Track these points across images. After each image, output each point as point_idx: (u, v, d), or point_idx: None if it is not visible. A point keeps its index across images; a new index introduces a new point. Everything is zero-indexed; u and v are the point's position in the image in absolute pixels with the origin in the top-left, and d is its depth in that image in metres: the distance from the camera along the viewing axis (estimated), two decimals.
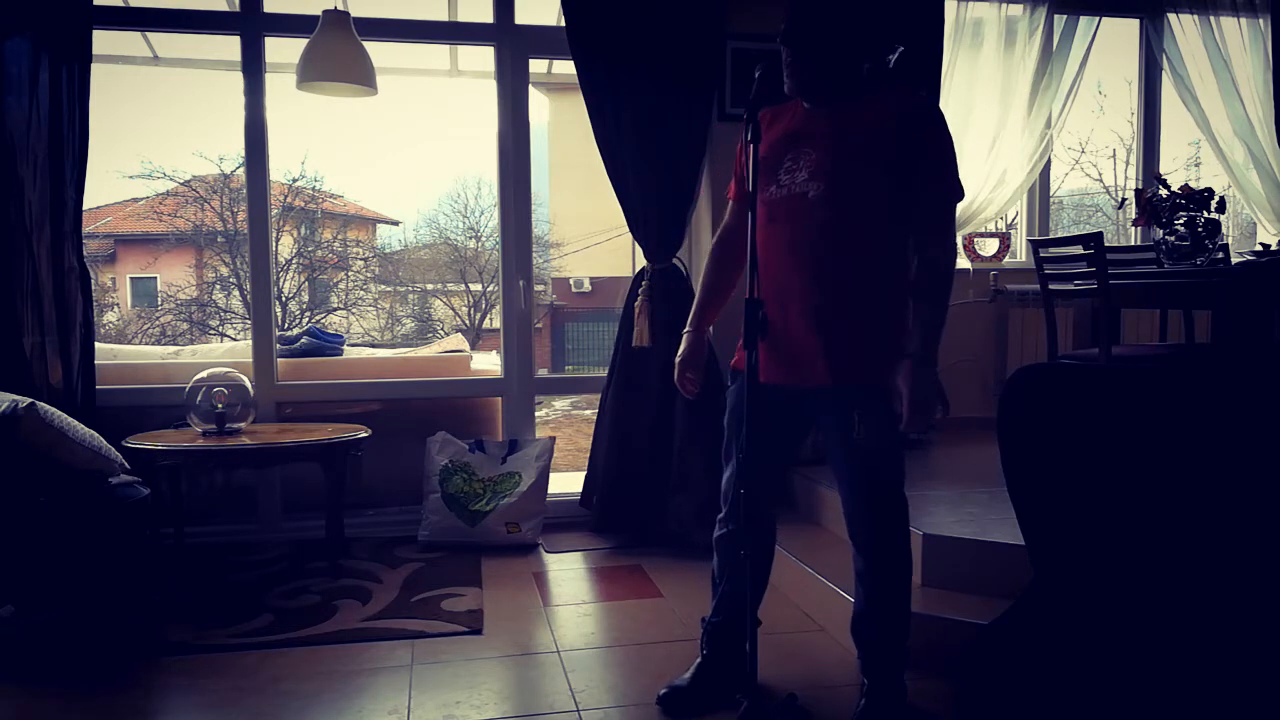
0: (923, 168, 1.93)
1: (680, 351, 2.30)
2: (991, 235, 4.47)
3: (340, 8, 3.41)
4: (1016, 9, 4.25)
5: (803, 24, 1.97)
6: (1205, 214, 3.26)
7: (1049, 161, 4.44)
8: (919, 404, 1.89)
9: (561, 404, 10.02)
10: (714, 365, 2.37)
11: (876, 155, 1.94)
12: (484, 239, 13.81)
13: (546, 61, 4.25)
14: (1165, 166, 4.74)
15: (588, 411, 8.53)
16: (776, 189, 2.02)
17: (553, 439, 3.83)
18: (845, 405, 1.99)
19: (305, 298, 12.38)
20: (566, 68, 3.70)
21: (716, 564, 2.31)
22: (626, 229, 3.65)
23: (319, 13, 3.36)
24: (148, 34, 3.95)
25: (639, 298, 3.58)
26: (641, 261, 3.65)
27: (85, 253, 3.36)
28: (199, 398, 3.28)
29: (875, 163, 1.94)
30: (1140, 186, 4.43)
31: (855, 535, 2.10)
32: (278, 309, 10.54)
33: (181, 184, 11.97)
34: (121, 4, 3.53)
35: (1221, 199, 3.29)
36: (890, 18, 3.81)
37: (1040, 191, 4.60)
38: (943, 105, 4.03)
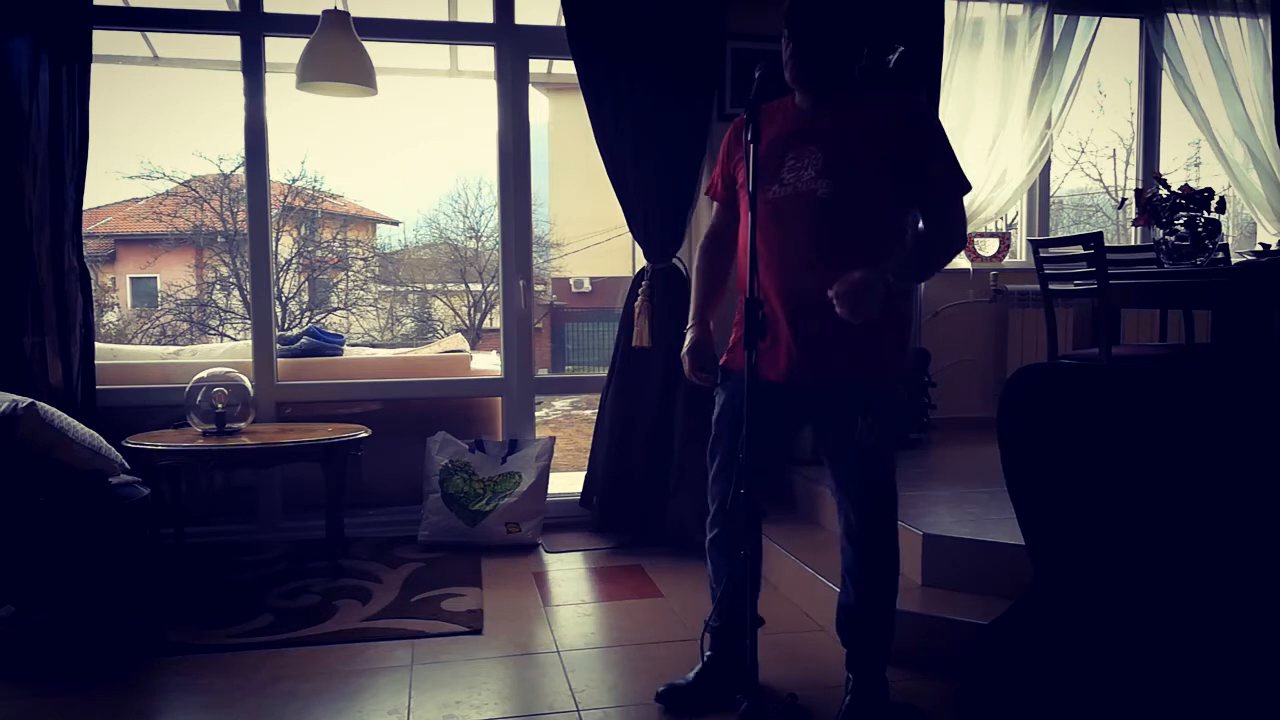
0: (933, 167, 1.99)
1: (688, 342, 2.26)
2: (991, 235, 4.46)
3: (340, 8, 3.41)
4: (1016, 9, 4.25)
5: (805, 7, 1.99)
6: (1205, 214, 3.26)
7: (1049, 161, 4.44)
8: (850, 293, 1.82)
9: (561, 404, 10.01)
10: (668, 362, 2.35)
11: (878, 154, 1.97)
12: (484, 239, 13.80)
13: (546, 61, 4.25)
14: (1165, 166, 4.74)
15: (588, 411, 8.52)
16: (780, 188, 2.01)
17: (553, 439, 3.83)
18: (849, 405, 2.02)
19: (305, 298, 12.36)
20: (566, 68, 3.70)
21: (710, 568, 2.31)
22: (626, 229, 3.65)
23: (319, 13, 3.36)
24: (148, 34, 3.94)
25: (639, 298, 3.58)
26: (641, 261, 3.66)
27: (85, 253, 3.36)
28: (199, 398, 3.28)
29: (878, 162, 1.97)
30: (1140, 186, 4.43)
31: (850, 529, 2.11)
32: (278, 309, 10.53)
33: (181, 184, 11.96)
34: (121, 4, 3.53)
35: (1221, 199, 3.29)
36: (890, 17, 3.85)
37: (1040, 191, 4.60)
38: (943, 105, 4.04)
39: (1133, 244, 4.59)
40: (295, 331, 4.37)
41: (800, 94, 2.07)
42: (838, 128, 2.00)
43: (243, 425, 3.33)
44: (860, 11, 2.01)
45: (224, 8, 3.75)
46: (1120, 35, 4.59)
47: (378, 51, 3.50)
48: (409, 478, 3.78)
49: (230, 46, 3.65)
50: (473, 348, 7.11)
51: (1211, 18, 4.36)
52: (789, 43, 2.02)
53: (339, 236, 13.35)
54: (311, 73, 3.30)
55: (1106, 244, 3.12)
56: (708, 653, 2.29)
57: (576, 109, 3.65)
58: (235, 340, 8.16)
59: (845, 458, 2.08)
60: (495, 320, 10.14)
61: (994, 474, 1.76)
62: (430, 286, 14.11)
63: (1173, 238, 3.31)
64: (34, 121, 3.17)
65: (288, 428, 3.46)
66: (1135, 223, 3.65)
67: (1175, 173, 5.95)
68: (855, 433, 2.01)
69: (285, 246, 11.86)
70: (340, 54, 3.32)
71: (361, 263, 13.53)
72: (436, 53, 4.33)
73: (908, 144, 1.98)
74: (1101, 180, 12.12)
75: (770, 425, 2.01)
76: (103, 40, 3.40)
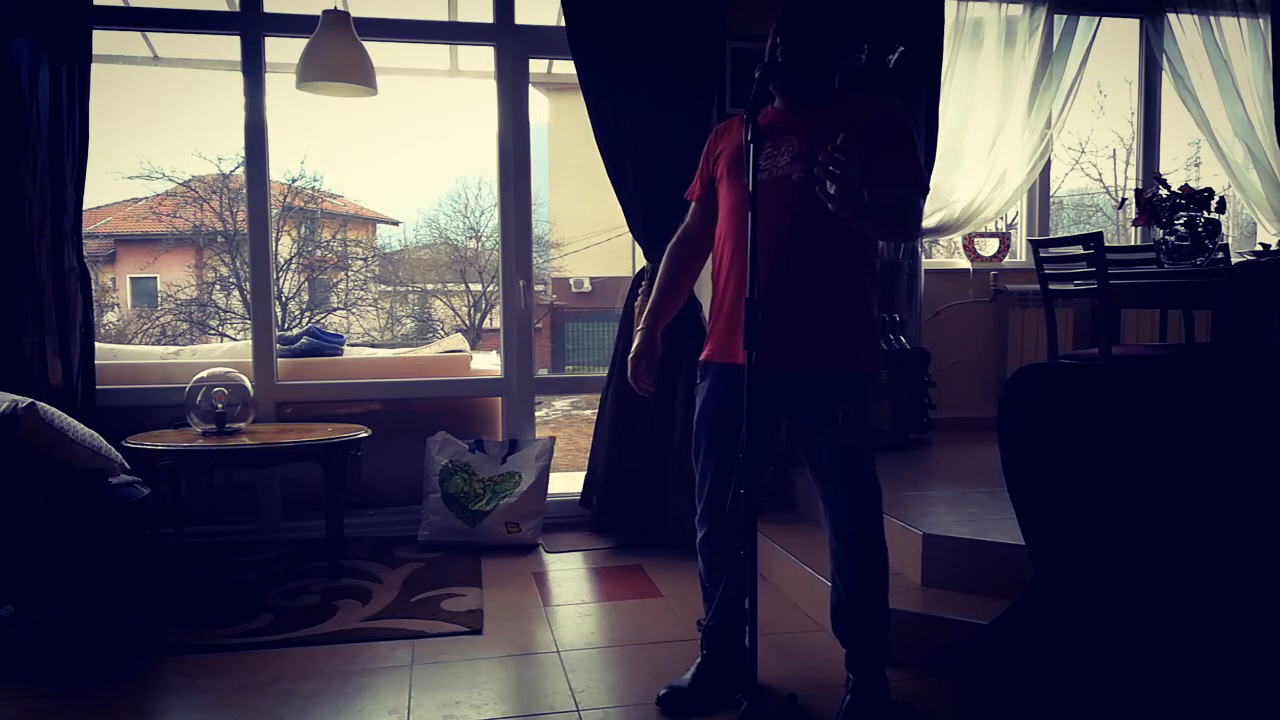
0: (893, 152, 2.00)
1: (634, 347, 2.31)
2: (991, 235, 4.47)
3: (340, 8, 3.41)
4: (1016, 9, 4.25)
5: (801, 15, 2.04)
6: (1205, 214, 3.26)
7: (1049, 161, 4.44)
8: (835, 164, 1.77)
9: (561, 404, 10.01)
10: (666, 361, 2.34)
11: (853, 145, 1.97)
12: (484, 239, 13.82)
13: (546, 61, 4.25)
14: (1165, 166, 4.74)
15: (588, 411, 8.52)
16: (757, 173, 2.03)
17: (553, 439, 3.83)
18: (825, 395, 2.03)
19: (305, 298, 12.38)
20: (566, 68, 3.70)
21: (702, 568, 2.31)
22: (626, 229, 3.65)
23: (319, 13, 3.36)
24: (148, 34, 3.94)
25: (639, 298, 3.57)
26: (641, 261, 3.65)
27: (85, 253, 3.36)
28: (199, 398, 3.28)
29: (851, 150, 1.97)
30: (1140, 186, 4.43)
31: (837, 526, 2.11)
32: (278, 309, 10.54)
33: (181, 184, 11.98)
34: (121, 4, 3.53)
35: (1221, 199, 3.29)
36: (890, 17, 3.85)
37: (1040, 191, 4.60)
38: (943, 105, 4.03)
39: (1133, 244, 4.59)
40: (295, 331, 4.37)
41: (782, 96, 2.12)
42: (815, 120, 2.04)
43: (243, 425, 3.33)
44: (851, 24, 2.08)
45: (224, 8, 3.76)
46: (1120, 35, 4.59)
47: (378, 51, 3.50)
48: (409, 478, 3.78)
49: (230, 46, 3.65)
50: (473, 348, 7.11)
51: (1211, 18, 4.36)
52: (780, 47, 2.05)
53: (339, 236, 13.36)
54: (311, 73, 3.30)
55: (1106, 244, 3.12)
56: (704, 652, 2.29)
57: (576, 109, 3.65)
58: (235, 340, 8.17)
59: (823, 454, 2.07)
60: (495, 320, 10.14)
61: (994, 474, 1.76)
62: (430, 286, 14.12)
63: (1173, 238, 3.31)
64: (34, 121, 3.17)
65: (288, 428, 3.46)
66: (1135, 223, 3.65)
67: (1175, 173, 5.96)
68: (832, 426, 2.02)
69: (285, 246, 11.87)
70: (340, 54, 3.32)
71: (361, 263, 13.54)
72: (436, 53, 4.34)
73: (878, 133, 2.00)
74: (1101, 180, 12.14)
75: (747, 414, 2.00)
76: (103, 40, 3.40)
